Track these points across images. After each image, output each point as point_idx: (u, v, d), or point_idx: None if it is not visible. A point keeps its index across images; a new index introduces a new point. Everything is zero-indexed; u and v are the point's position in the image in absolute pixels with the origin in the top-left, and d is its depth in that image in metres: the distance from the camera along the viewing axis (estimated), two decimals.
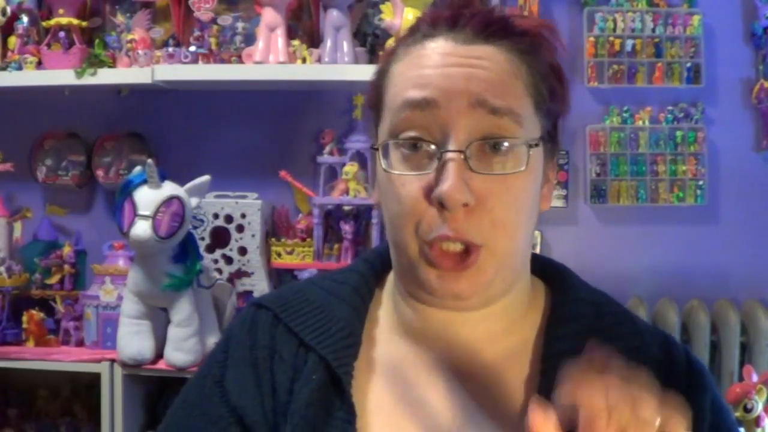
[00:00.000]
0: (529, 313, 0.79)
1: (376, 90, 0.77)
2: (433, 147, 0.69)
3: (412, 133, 0.70)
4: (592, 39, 2.16)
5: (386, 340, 0.79)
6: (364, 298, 0.80)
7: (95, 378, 1.84)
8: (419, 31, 0.75)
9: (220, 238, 2.03)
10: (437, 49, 0.72)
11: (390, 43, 1.87)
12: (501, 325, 0.76)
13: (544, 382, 0.71)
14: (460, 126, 0.68)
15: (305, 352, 0.76)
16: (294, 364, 0.76)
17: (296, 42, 1.98)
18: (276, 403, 0.74)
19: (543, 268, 0.82)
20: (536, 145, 0.71)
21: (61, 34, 2.01)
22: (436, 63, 0.71)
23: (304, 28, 2.09)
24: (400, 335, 0.78)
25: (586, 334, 0.73)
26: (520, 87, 0.71)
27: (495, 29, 0.72)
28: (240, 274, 2.02)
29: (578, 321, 0.75)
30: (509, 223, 0.70)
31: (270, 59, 1.92)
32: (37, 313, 1.95)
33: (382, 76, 0.76)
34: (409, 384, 0.75)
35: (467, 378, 0.75)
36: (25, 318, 1.95)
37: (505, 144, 0.69)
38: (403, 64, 0.73)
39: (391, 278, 0.82)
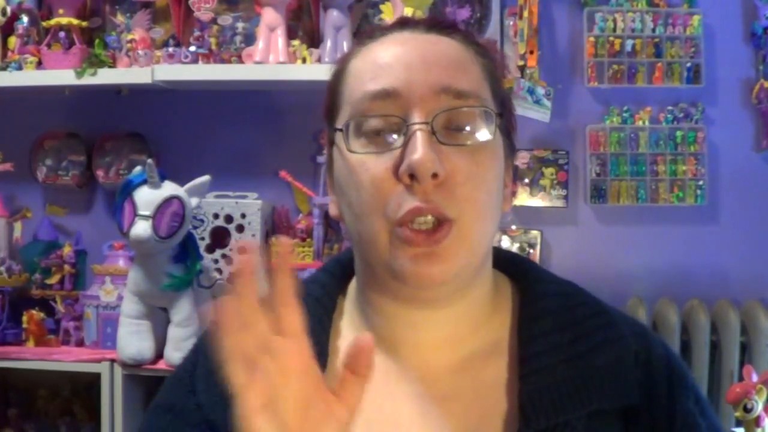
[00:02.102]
0: (497, 311, 0.77)
1: (331, 92, 0.76)
2: (398, 120, 0.68)
3: (374, 119, 0.69)
4: (592, 39, 2.16)
5: None
6: (327, 309, 0.79)
7: (95, 378, 1.84)
8: (374, 33, 0.76)
9: (220, 238, 2.03)
10: (394, 39, 0.73)
11: None
12: (468, 325, 0.75)
13: (526, 387, 0.70)
14: (423, 105, 0.68)
15: None
16: None
17: (296, 42, 1.98)
18: None
19: (506, 262, 0.81)
20: (500, 115, 0.71)
21: (61, 34, 2.01)
22: (394, 53, 0.71)
23: (304, 28, 2.09)
24: None
25: (559, 330, 0.73)
26: (478, 71, 0.73)
27: (446, 25, 0.75)
28: None
29: (550, 317, 0.74)
30: (479, 201, 0.69)
31: (270, 59, 1.92)
32: (37, 313, 1.95)
33: (338, 78, 0.76)
34: (380, 393, 0.73)
35: (436, 383, 0.73)
36: (25, 318, 1.95)
37: (469, 122, 0.69)
38: (360, 59, 0.74)
39: (353, 287, 0.81)
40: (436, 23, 0.74)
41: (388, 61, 0.70)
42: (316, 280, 0.82)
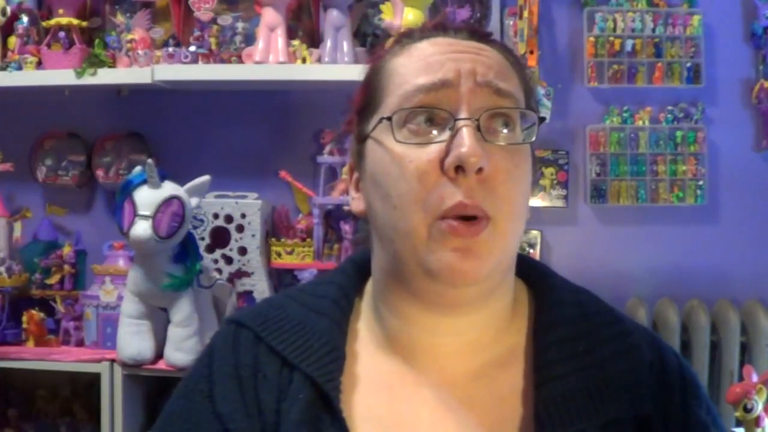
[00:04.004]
0: (515, 318, 0.77)
1: (368, 89, 0.77)
2: (445, 115, 0.70)
3: (424, 111, 0.71)
4: (592, 39, 2.16)
5: (369, 355, 0.77)
6: (344, 311, 0.78)
7: (95, 378, 1.84)
8: (413, 35, 0.77)
9: (220, 238, 2.03)
10: (439, 42, 0.74)
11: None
12: (489, 333, 0.75)
13: (541, 396, 0.70)
14: (470, 101, 0.70)
15: (289, 371, 0.74)
16: (279, 384, 0.74)
17: (296, 42, 1.98)
18: (264, 424, 0.72)
19: (521, 267, 0.81)
20: (540, 119, 0.73)
21: (61, 34, 2.01)
22: (441, 51, 0.73)
23: (304, 28, 2.09)
24: (383, 350, 0.76)
25: (574, 338, 0.73)
26: (515, 79, 0.74)
27: (485, 34, 0.77)
28: (240, 274, 2.02)
29: (565, 325, 0.74)
30: (515, 201, 0.70)
31: (270, 59, 1.92)
32: (37, 313, 1.95)
33: (376, 75, 0.76)
34: (397, 398, 0.74)
35: (453, 389, 0.73)
36: (25, 318, 1.95)
37: (511, 122, 0.71)
38: (404, 57, 0.75)
39: (369, 288, 0.81)
40: (476, 31, 0.76)
41: (438, 58, 0.72)
42: (333, 281, 0.81)
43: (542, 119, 0.74)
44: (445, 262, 0.68)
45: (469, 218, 0.68)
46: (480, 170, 0.67)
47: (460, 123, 0.68)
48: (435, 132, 0.70)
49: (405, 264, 0.72)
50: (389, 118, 0.71)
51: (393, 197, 0.70)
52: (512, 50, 0.78)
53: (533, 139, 0.72)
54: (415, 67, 0.72)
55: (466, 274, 0.68)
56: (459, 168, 0.67)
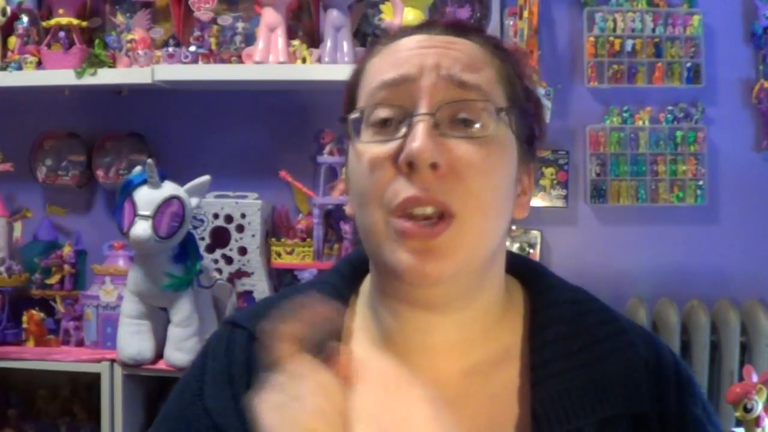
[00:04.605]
0: (507, 316, 0.77)
1: (349, 90, 0.77)
2: (404, 111, 0.69)
3: (385, 109, 0.70)
4: (592, 39, 2.16)
5: (364, 353, 0.77)
6: (339, 310, 0.78)
7: (95, 378, 1.84)
8: (395, 35, 0.77)
9: (220, 238, 2.03)
10: (412, 39, 0.74)
11: None
12: (477, 330, 0.74)
13: (538, 394, 0.70)
14: (430, 95, 0.69)
15: None
16: None
17: (296, 42, 1.98)
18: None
19: (517, 266, 0.81)
20: (504, 112, 0.70)
21: (61, 34, 2.01)
22: (410, 47, 0.73)
23: (304, 28, 2.09)
24: (378, 348, 0.76)
25: (570, 337, 0.73)
26: (490, 72, 0.72)
27: (467, 27, 0.76)
28: (240, 274, 2.02)
29: (561, 324, 0.74)
30: (484, 195, 0.68)
31: (270, 59, 1.92)
32: (37, 313, 1.95)
33: (357, 76, 0.77)
34: (392, 397, 0.74)
35: (447, 387, 0.73)
36: (25, 318, 1.95)
37: (475, 115, 0.69)
38: (379, 57, 0.75)
39: (365, 287, 0.81)
40: (453, 25, 0.76)
41: (405, 54, 0.72)
42: (328, 281, 0.82)
43: (502, 110, 0.71)
44: (405, 263, 0.67)
45: (428, 218, 0.67)
46: (434, 165, 0.66)
47: (416, 119, 0.68)
48: (402, 129, 0.69)
49: (377, 263, 0.72)
50: (355, 118, 0.71)
51: (357, 195, 0.71)
52: (496, 40, 0.77)
53: (493, 132, 0.69)
54: (384, 65, 0.72)
55: (428, 276, 0.67)
56: (412, 164, 0.66)
